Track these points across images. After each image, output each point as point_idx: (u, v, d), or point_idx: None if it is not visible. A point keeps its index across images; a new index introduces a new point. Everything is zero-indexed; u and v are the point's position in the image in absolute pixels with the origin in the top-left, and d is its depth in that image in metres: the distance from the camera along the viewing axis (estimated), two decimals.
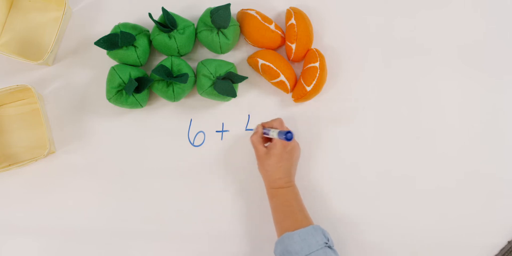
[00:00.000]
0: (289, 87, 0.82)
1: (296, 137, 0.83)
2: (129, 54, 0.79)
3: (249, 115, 0.85)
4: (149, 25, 0.83)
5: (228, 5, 0.78)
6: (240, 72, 0.85)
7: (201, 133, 0.85)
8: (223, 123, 0.85)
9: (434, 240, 0.81)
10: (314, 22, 0.84)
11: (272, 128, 0.76)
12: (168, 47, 0.80)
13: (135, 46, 0.80)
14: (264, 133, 0.77)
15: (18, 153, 0.84)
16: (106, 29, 0.82)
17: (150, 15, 0.78)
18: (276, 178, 0.75)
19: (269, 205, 0.76)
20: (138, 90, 0.79)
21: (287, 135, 0.68)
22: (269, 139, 0.78)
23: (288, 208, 0.73)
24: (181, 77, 0.77)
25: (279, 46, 0.84)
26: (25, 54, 0.86)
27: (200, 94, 0.81)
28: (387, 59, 0.86)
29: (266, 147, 0.77)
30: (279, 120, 0.77)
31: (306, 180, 0.82)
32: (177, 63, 0.80)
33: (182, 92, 0.80)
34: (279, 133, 0.71)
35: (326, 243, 0.69)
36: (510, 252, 0.79)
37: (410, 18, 0.87)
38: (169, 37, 0.79)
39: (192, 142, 0.84)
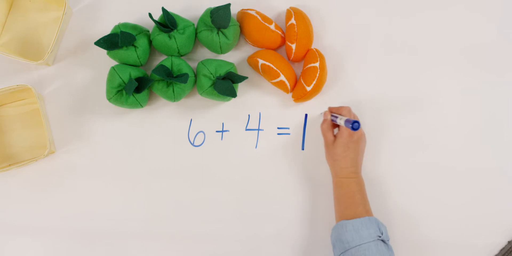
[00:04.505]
0: (289, 87, 0.82)
1: (295, 137, 0.84)
2: (129, 54, 0.79)
3: (249, 115, 0.85)
4: (149, 25, 0.83)
5: (228, 5, 0.78)
6: (240, 72, 0.85)
7: (201, 133, 0.85)
8: (223, 123, 0.85)
9: (434, 240, 0.81)
10: (314, 22, 0.84)
11: (340, 115, 0.76)
12: (168, 47, 0.80)
13: (135, 46, 0.80)
14: (333, 120, 0.77)
15: (18, 153, 0.84)
16: (106, 29, 0.82)
17: (150, 15, 0.78)
18: (342, 167, 0.75)
19: (333, 194, 0.76)
20: (138, 90, 0.79)
21: (354, 125, 0.68)
22: (338, 126, 0.78)
23: (350, 199, 0.73)
24: (181, 77, 0.77)
25: (279, 46, 0.84)
26: (25, 54, 0.86)
27: (200, 94, 0.81)
28: (387, 59, 0.85)
29: (335, 136, 0.77)
30: (348, 108, 0.77)
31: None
32: (177, 63, 0.80)
33: (182, 92, 0.80)
34: (346, 121, 0.71)
35: (380, 237, 0.69)
36: (510, 252, 0.79)
37: (410, 18, 0.86)
38: (169, 37, 0.79)
39: (192, 142, 0.84)
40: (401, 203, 0.82)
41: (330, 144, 0.76)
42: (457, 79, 0.85)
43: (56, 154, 0.84)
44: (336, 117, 0.76)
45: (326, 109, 0.83)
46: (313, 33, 0.83)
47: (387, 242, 0.70)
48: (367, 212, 0.72)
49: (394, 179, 0.83)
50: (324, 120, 0.78)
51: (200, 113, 0.85)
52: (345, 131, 0.75)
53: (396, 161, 0.83)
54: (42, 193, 0.84)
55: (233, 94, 0.79)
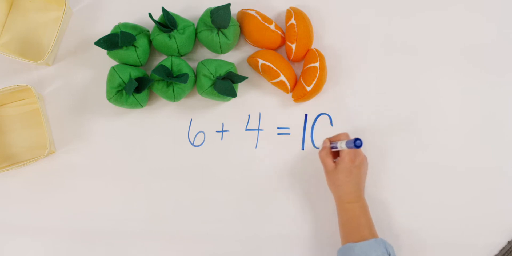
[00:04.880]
0: (289, 87, 0.82)
1: (295, 137, 0.84)
2: (129, 54, 0.79)
3: (249, 115, 0.85)
4: (149, 25, 0.83)
5: (228, 5, 0.78)
6: (240, 72, 0.85)
7: (201, 133, 0.85)
8: (223, 123, 0.85)
9: (434, 240, 0.81)
10: (314, 22, 0.84)
11: (339, 141, 0.74)
12: (168, 47, 0.80)
13: (135, 46, 0.80)
14: (332, 147, 0.76)
15: (18, 153, 0.84)
16: (106, 29, 0.82)
17: (150, 15, 0.78)
18: (346, 192, 0.74)
19: (337, 218, 0.76)
20: (138, 90, 0.79)
21: (356, 142, 0.67)
22: (338, 154, 0.77)
23: (355, 224, 0.73)
24: (181, 77, 0.77)
25: (279, 46, 0.84)
26: (25, 54, 0.86)
27: (200, 94, 0.81)
28: (387, 59, 0.85)
29: (334, 162, 0.76)
30: (345, 134, 0.76)
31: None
32: (177, 63, 0.80)
33: (182, 92, 0.80)
34: (347, 142, 0.70)
35: None
36: (510, 252, 0.79)
37: (410, 18, 0.86)
38: (169, 37, 0.79)
39: (192, 142, 0.85)
40: (400, 204, 0.82)
41: (331, 171, 0.75)
42: (457, 79, 0.85)
43: (56, 154, 0.84)
44: (336, 143, 0.74)
45: (326, 110, 0.83)
46: (313, 33, 0.83)
47: None
48: (373, 235, 0.72)
49: (394, 179, 0.83)
50: (323, 148, 0.77)
51: (200, 113, 0.85)
52: (346, 156, 0.73)
53: (396, 161, 0.83)
54: (42, 193, 0.84)
55: (233, 94, 0.79)
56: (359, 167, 0.74)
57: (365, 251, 0.68)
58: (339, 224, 0.75)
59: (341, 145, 0.72)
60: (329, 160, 0.76)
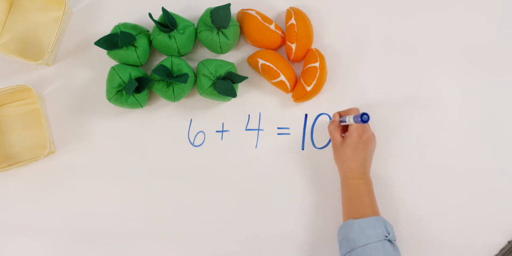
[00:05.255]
0: (289, 87, 0.82)
1: (295, 137, 0.84)
2: (129, 54, 0.79)
3: (249, 115, 0.85)
4: (149, 25, 0.83)
5: (228, 5, 0.78)
6: (240, 72, 0.85)
7: (201, 133, 0.85)
8: (223, 123, 0.85)
9: (434, 240, 0.81)
10: (314, 22, 0.84)
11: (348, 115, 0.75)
12: (168, 47, 0.80)
13: (135, 46, 0.80)
14: (341, 121, 0.77)
15: (18, 153, 0.84)
16: (106, 29, 0.82)
17: (150, 15, 0.78)
18: (351, 168, 0.74)
19: (341, 195, 0.76)
20: (138, 90, 0.79)
21: (363, 117, 0.67)
22: (347, 129, 0.77)
23: (358, 201, 0.73)
24: (181, 77, 0.77)
25: (279, 46, 0.84)
26: (25, 54, 0.86)
27: (200, 94, 0.81)
28: (387, 59, 0.85)
29: (342, 137, 0.76)
30: (356, 109, 0.76)
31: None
32: (177, 63, 0.80)
33: (182, 92, 0.80)
34: (355, 117, 0.71)
35: (386, 237, 0.68)
36: (510, 252, 0.79)
37: (410, 18, 0.86)
38: (169, 37, 0.79)
39: (192, 142, 0.85)
40: (400, 203, 0.82)
41: (339, 145, 0.75)
42: (457, 79, 0.85)
43: (56, 154, 0.84)
44: (345, 117, 0.75)
45: (326, 110, 0.83)
46: (313, 33, 0.83)
47: (393, 242, 0.70)
48: (375, 213, 0.72)
49: (393, 179, 0.82)
50: (332, 121, 0.77)
51: (200, 113, 0.85)
52: (354, 131, 0.74)
53: (395, 162, 0.83)
54: (42, 193, 0.84)
55: (233, 94, 0.79)
56: (367, 143, 0.75)
57: (364, 228, 0.69)
58: (342, 200, 0.75)
59: (350, 120, 0.73)
60: (337, 134, 0.76)
